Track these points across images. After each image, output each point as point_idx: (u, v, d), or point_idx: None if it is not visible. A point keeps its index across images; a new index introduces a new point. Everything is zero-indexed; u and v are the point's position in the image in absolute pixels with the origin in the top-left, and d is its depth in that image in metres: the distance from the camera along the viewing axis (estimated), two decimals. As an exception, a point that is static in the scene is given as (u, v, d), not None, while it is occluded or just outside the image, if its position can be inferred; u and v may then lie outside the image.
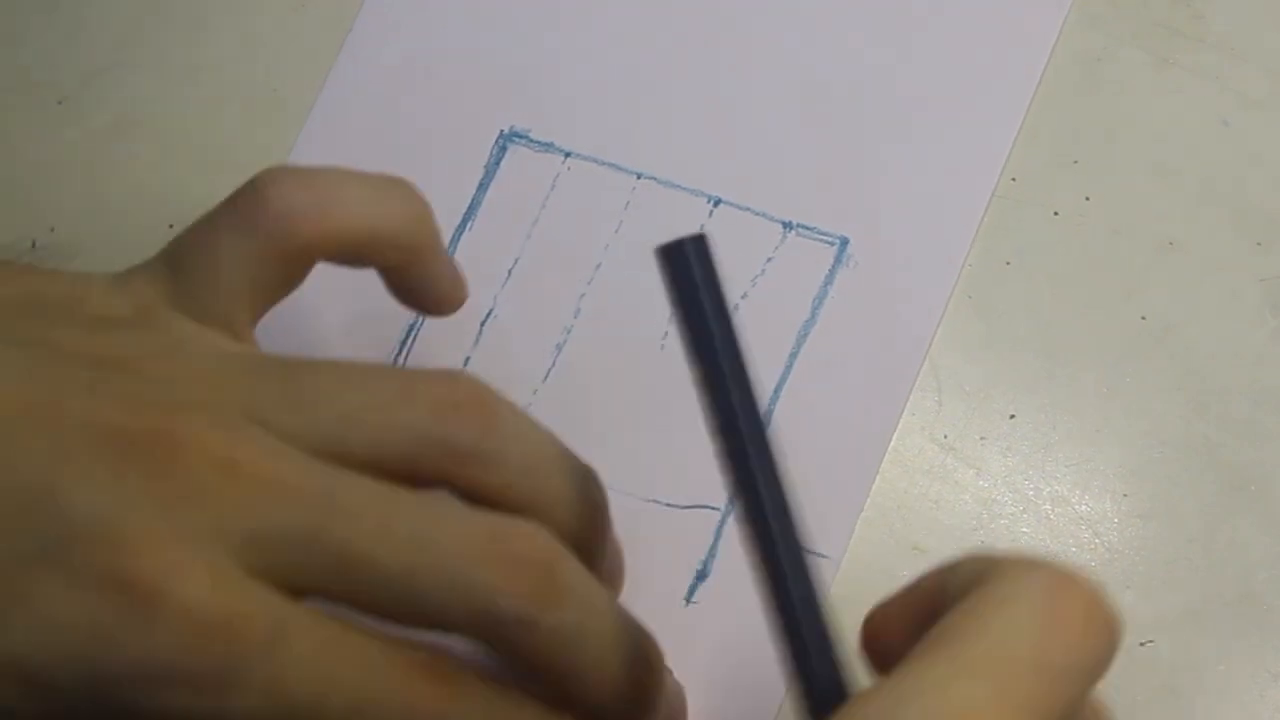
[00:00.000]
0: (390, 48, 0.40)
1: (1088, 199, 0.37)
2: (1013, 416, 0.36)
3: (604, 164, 0.38)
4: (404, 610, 0.23)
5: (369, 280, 0.38)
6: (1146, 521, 0.35)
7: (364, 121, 0.40)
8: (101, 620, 0.21)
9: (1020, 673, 0.20)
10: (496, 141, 0.39)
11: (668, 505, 0.36)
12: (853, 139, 0.38)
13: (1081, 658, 0.21)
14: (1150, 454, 0.35)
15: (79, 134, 0.41)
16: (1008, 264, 0.37)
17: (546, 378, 0.37)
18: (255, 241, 0.27)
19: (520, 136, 0.39)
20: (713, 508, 0.35)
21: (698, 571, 0.35)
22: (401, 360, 0.38)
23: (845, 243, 0.37)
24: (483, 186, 0.39)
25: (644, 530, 0.35)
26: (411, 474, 0.24)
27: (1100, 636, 0.21)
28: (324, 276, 0.39)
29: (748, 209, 0.37)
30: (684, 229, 0.38)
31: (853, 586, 0.34)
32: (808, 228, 0.37)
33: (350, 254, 0.28)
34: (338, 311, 0.38)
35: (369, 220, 0.28)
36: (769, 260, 0.37)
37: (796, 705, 0.21)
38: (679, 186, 0.38)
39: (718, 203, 0.38)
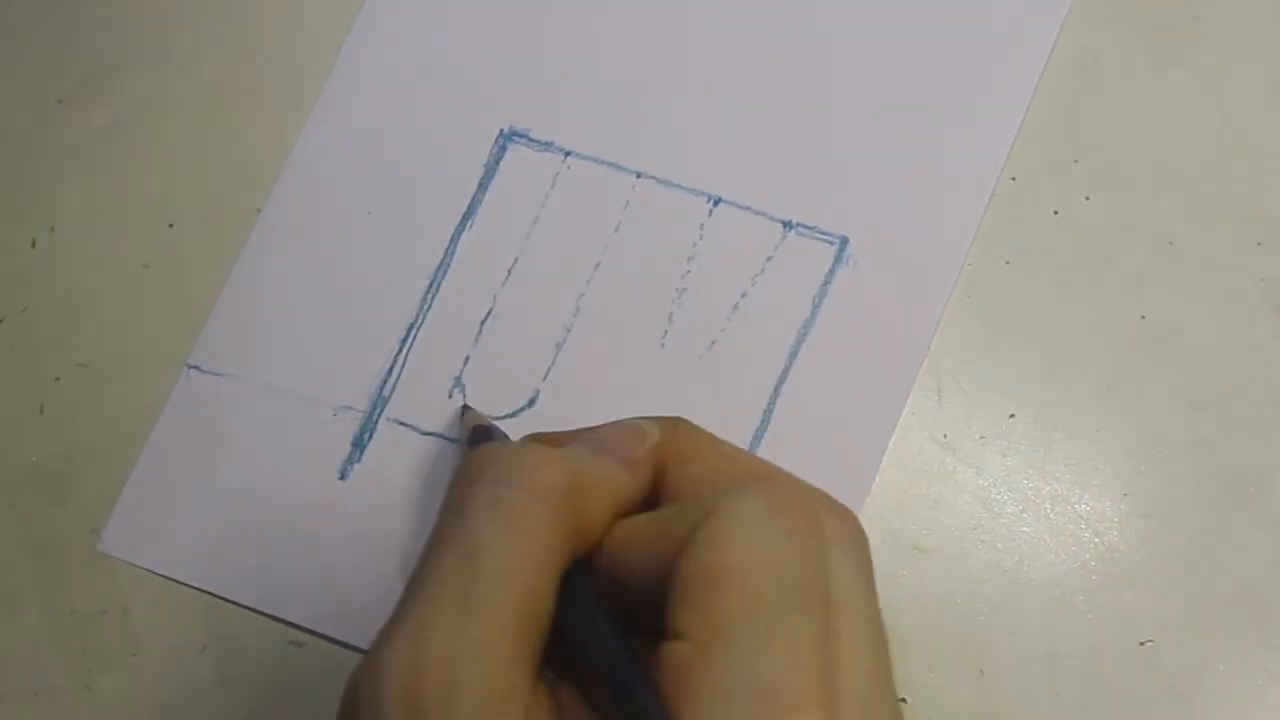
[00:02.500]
0: (390, 48, 0.40)
1: (1088, 199, 0.37)
2: (1012, 416, 0.36)
3: (604, 163, 0.38)
4: None
5: (369, 281, 0.39)
6: (1146, 521, 0.35)
7: (364, 121, 0.40)
8: None
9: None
10: (496, 141, 0.39)
11: (668, 505, 0.36)
12: (853, 139, 0.38)
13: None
14: (1150, 454, 0.35)
15: (79, 134, 0.41)
16: (1008, 264, 0.37)
17: (546, 377, 0.37)
18: None
19: (520, 136, 0.39)
20: (713, 507, 0.35)
21: (698, 571, 0.35)
22: (401, 360, 0.38)
23: (845, 242, 0.37)
24: (483, 186, 0.39)
25: (644, 530, 0.35)
26: None
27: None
28: (324, 276, 0.39)
29: (748, 209, 0.37)
30: (684, 229, 0.38)
31: (853, 586, 0.34)
32: (808, 227, 0.37)
33: None
34: (338, 312, 0.38)
35: None
36: (769, 260, 0.37)
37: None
38: (679, 186, 0.38)
39: (718, 202, 0.38)
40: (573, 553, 0.25)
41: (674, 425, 0.28)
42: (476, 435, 0.34)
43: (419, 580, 0.25)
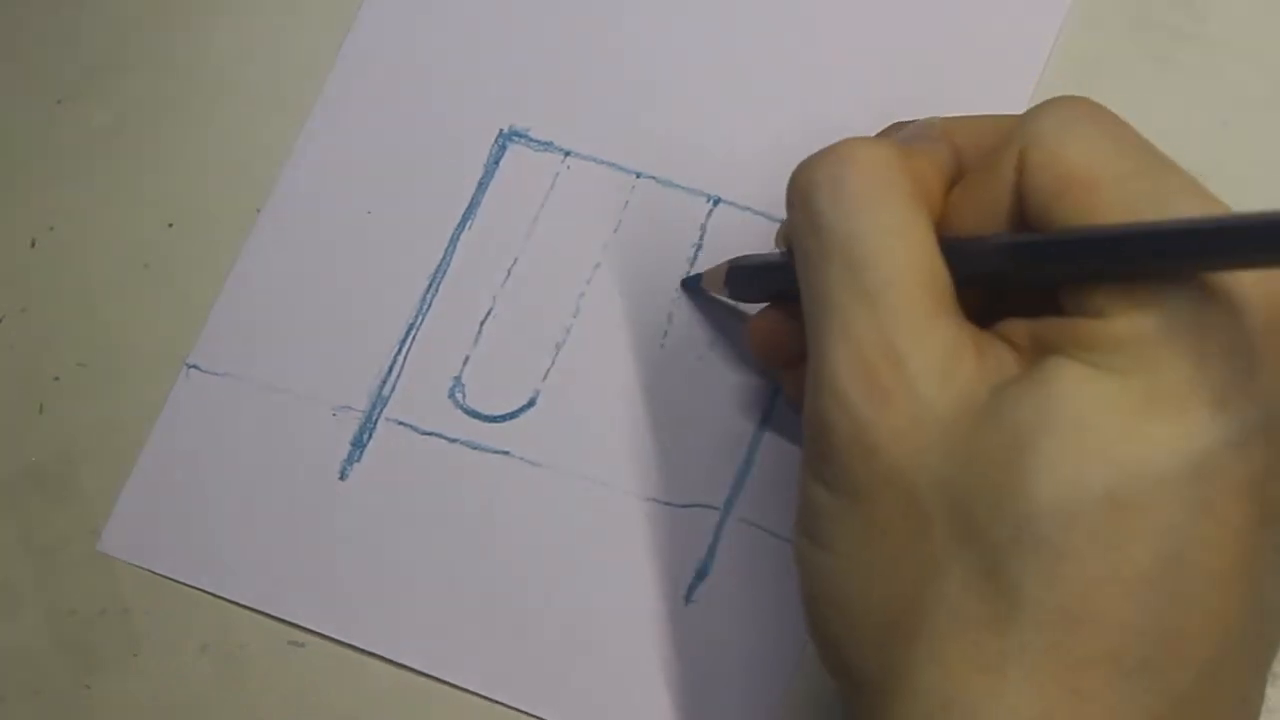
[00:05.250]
0: (390, 48, 0.40)
1: (1088, 199, 0.37)
2: (1013, 416, 0.36)
3: (604, 163, 0.38)
4: None
5: (369, 281, 0.39)
6: (1146, 521, 0.35)
7: (364, 121, 0.40)
8: None
9: None
10: (496, 141, 0.39)
11: (668, 505, 0.36)
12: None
13: None
14: (1150, 454, 0.35)
15: (79, 134, 0.41)
16: (1008, 264, 0.37)
17: (546, 378, 0.37)
18: None
19: (520, 136, 0.39)
20: (713, 507, 0.35)
21: (697, 571, 0.35)
22: (401, 360, 0.38)
23: (845, 242, 0.37)
24: (483, 186, 0.39)
25: (644, 530, 0.35)
26: None
27: None
28: (324, 276, 0.39)
29: (748, 209, 0.37)
30: (684, 229, 0.38)
31: (852, 586, 0.34)
32: (807, 227, 0.37)
33: None
34: (338, 312, 0.38)
35: None
36: (769, 260, 0.37)
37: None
38: (679, 186, 0.38)
39: (718, 203, 0.38)
40: (930, 212, 0.26)
41: (952, 119, 0.29)
42: (734, 276, 0.34)
43: (817, 300, 0.25)
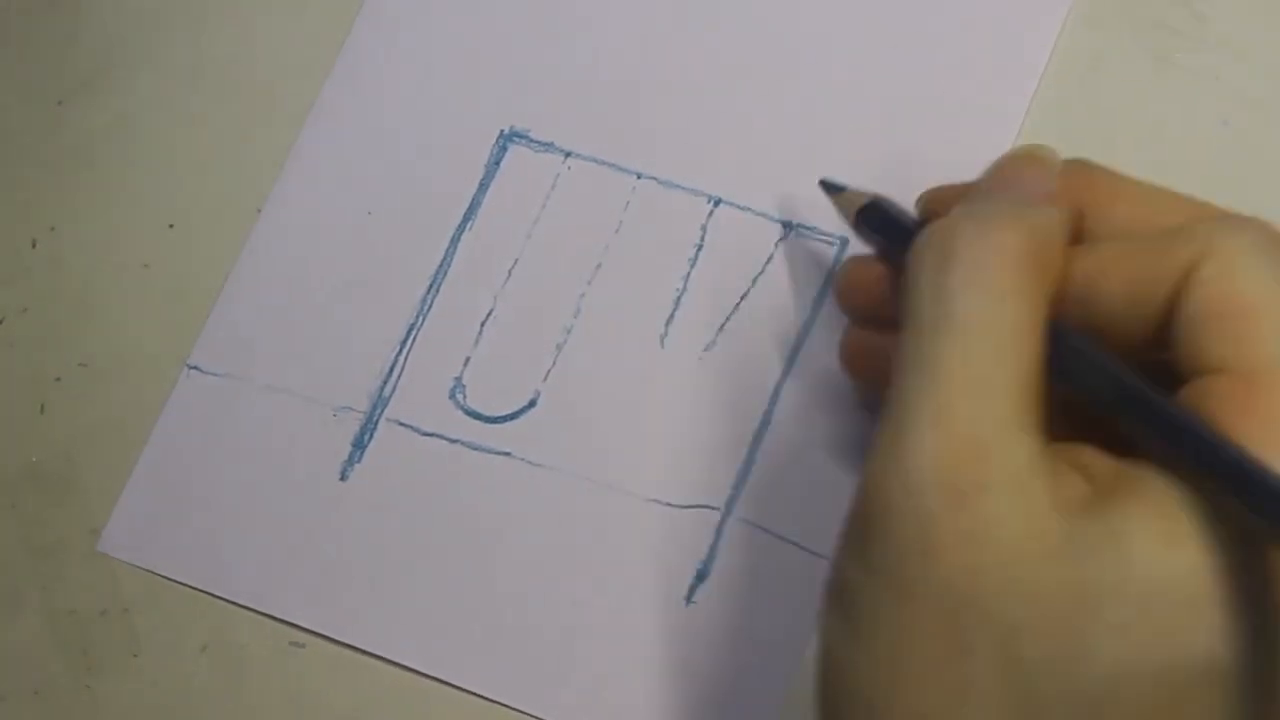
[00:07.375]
0: (390, 48, 0.40)
1: (1088, 199, 0.37)
2: (1013, 416, 0.36)
3: (604, 164, 0.38)
4: None
5: (369, 281, 0.39)
6: (1146, 521, 0.35)
7: (364, 121, 0.40)
8: None
9: None
10: (496, 141, 0.39)
11: (668, 505, 0.36)
12: (853, 139, 0.38)
13: None
14: (1150, 454, 0.35)
15: (79, 134, 0.41)
16: (1008, 264, 0.37)
17: (546, 378, 0.37)
18: None
19: (520, 136, 0.39)
20: (713, 508, 0.35)
21: (698, 571, 0.35)
22: (401, 360, 0.38)
23: (845, 243, 0.37)
24: (483, 186, 0.39)
25: (644, 530, 0.35)
26: None
27: None
28: (324, 276, 0.39)
29: (748, 209, 0.37)
30: (684, 229, 0.38)
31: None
32: (808, 228, 0.37)
33: None
34: (338, 312, 0.38)
35: None
36: (769, 260, 0.37)
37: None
38: (679, 186, 0.38)
39: (718, 203, 0.38)
40: (1049, 306, 0.25)
41: (1080, 167, 0.29)
42: (868, 213, 0.33)
43: (916, 369, 0.24)
